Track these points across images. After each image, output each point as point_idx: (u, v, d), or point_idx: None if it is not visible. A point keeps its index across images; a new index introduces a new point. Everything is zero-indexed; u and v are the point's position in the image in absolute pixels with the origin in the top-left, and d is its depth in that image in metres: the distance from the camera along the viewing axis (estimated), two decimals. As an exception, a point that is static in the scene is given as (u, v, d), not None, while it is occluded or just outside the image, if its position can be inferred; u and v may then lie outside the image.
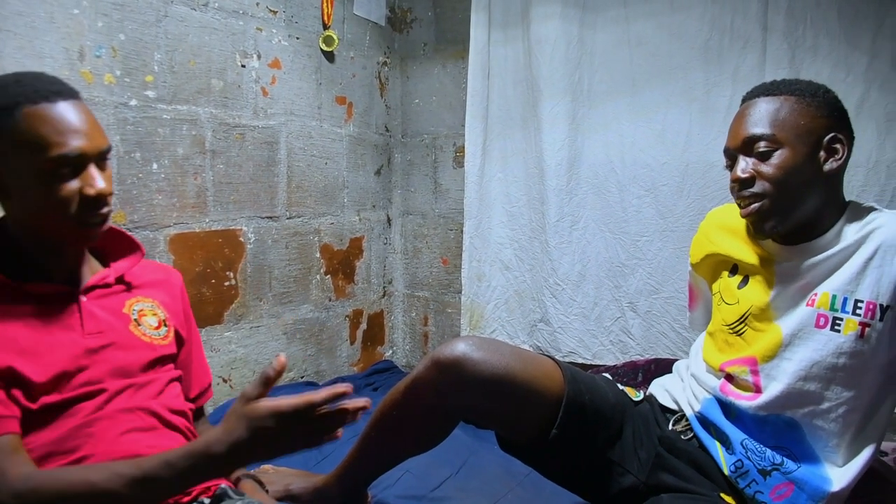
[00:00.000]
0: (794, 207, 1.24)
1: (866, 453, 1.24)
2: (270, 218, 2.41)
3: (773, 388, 1.26)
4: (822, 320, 1.23)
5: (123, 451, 1.11)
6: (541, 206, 2.56)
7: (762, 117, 1.26)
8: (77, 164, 1.07)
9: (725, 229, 1.46)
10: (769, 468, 1.24)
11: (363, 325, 2.94)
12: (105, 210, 1.13)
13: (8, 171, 1.07)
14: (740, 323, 1.35)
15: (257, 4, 2.31)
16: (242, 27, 2.26)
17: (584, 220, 2.49)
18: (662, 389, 1.53)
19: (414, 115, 3.06)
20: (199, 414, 1.45)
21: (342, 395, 0.98)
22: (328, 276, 2.71)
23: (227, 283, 2.25)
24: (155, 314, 1.29)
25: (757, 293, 1.33)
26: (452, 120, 2.91)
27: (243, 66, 2.27)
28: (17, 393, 1.05)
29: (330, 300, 2.73)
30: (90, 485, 0.96)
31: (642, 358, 2.34)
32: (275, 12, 2.39)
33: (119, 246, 1.29)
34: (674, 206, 2.30)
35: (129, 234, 1.31)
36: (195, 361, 1.43)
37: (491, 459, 1.90)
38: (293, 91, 2.48)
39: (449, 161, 2.96)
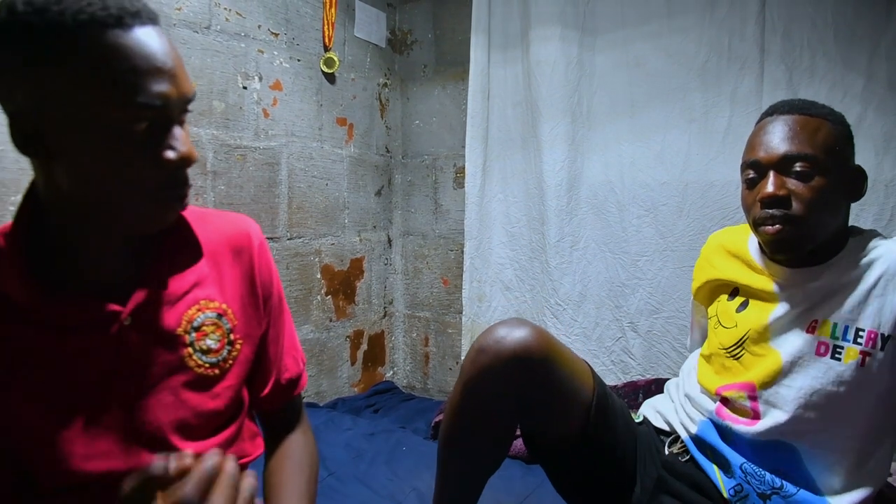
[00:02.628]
0: (818, 234, 1.21)
1: (868, 488, 1.21)
2: (271, 238, 2.41)
3: (772, 415, 1.24)
4: (822, 348, 1.21)
5: None
6: (541, 227, 2.56)
7: (802, 137, 1.20)
8: (158, 116, 0.77)
9: (726, 252, 1.43)
10: (769, 492, 1.23)
11: (364, 346, 2.94)
12: (188, 184, 0.83)
13: (59, 120, 0.74)
14: (737, 347, 1.33)
15: (259, 27, 2.34)
16: (244, 49, 2.28)
17: (585, 241, 2.50)
18: (654, 411, 1.51)
19: (414, 135, 3.08)
20: (282, 420, 1.12)
21: None
22: (329, 296, 2.71)
23: (227, 304, 2.25)
24: (218, 327, 0.95)
25: (756, 316, 1.31)
26: (452, 141, 2.93)
27: (245, 87, 2.29)
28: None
29: (331, 321, 2.73)
30: None
31: (643, 378, 2.33)
32: (276, 35, 2.41)
33: (172, 234, 0.91)
34: (673, 226, 2.31)
35: (190, 224, 0.92)
36: (271, 349, 1.08)
37: (491, 483, 1.89)
38: (294, 112, 2.50)
39: (449, 182, 2.97)
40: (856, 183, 1.25)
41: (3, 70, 0.74)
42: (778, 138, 1.22)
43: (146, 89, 0.74)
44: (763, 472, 1.24)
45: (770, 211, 1.21)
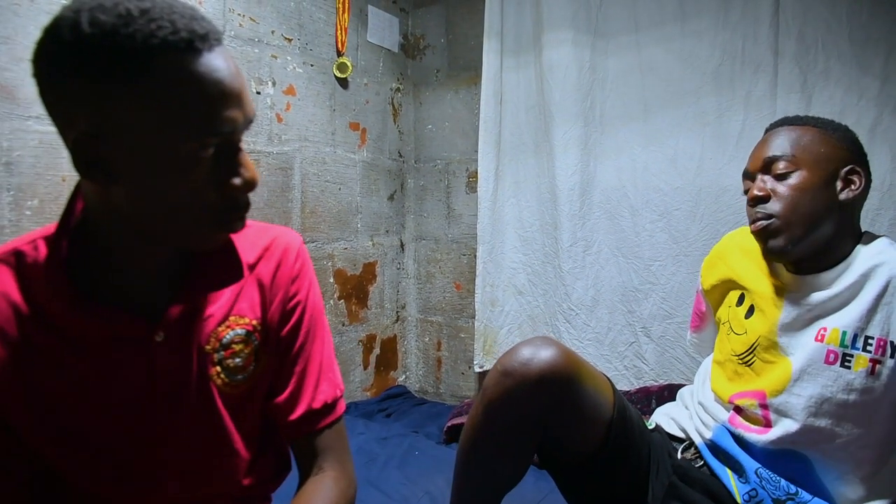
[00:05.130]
0: (805, 231, 1.24)
1: (884, 500, 1.21)
2: (284, 243, 2.42)
3: (782, 424, 1.25)
4: (831, 356, 1.21)
5: None
6: (554, 231, 2.56)
7: (784, 142, 1.29)
8: (226, 142, 0.76)
9: (743, 252, 1.45)
10: (784, 498, 1.22)
11: (376, 350, 2.94)
12: (248, 207, 0.81)
13: (125, 146, 0.71)
14: (749, 353, 1.34)
15: (272, 32, 2.35)
16: (258, 55, 2.29)
17: (597, 245, 2.49)
18: (667, 418, 1.51)
19: (427, 140, 3.08)
20: (312, 454, 1.00)
21: None
22: (341, 300, 2.72)
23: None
24: (247, 344, 0.92)
25: (763, 323, 1.32)
26: (465, 145, 2.93)
27: (258, 92, 2.30)
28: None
29: (343, 325, 2.73)
30: None
31: (656, 384, 2.32)
32: (290, 40, 2.42)
33: (216, 252, 0.88)
34: (687, 231, 2.30)
35: (234, 242, 0.90)
36: (302, 367, 0.99)
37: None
38: (307, 117, 2.51)
39: (462, 186, 2.97)
40: (849, 182, 1.26)
41: (66, 94, 0.71)
42: (761, 149, 1.32)
43: (217, 117, 0.72)
44: (778, 478, 1.24)
45: (754, 209, 1.28)
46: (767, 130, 1.37)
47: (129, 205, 0.76)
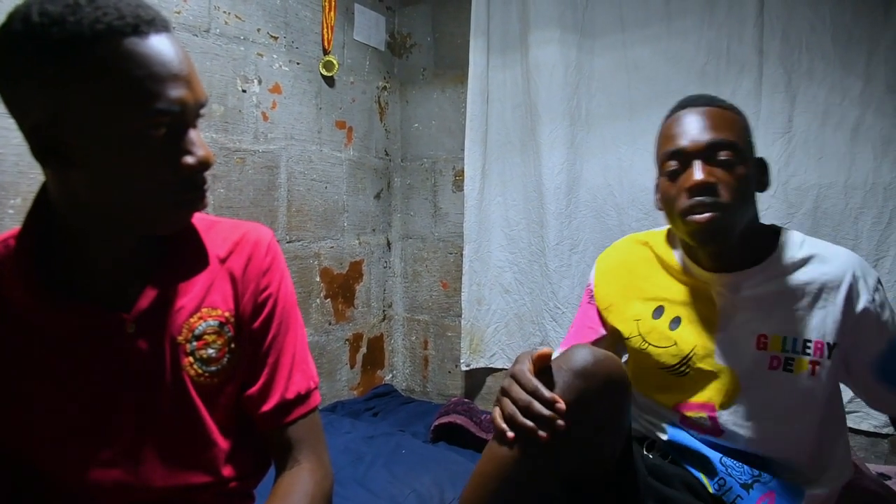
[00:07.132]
0: (740, 224, 1.20)
1: (837, 480, 1.26)
2: (270, 241, 2.41)
3: (732, 431, 1.26)
4: (774, 362, 1.22)
5: None
6: (540, 230, 2.57)
7: (725, 125, 1.20)
8: (176, 122, 0.78)
9: (632, 272, 1.39)
10: (750, 481, 1.24)
11: (363, 349, 2.94)
12: (206, 186, 0.83)
13: (78, 130, 0.74)
14: (682, 364, 1.29)
15: (258, 30, 2.34)
16: (244, 53, 2.28)
17: (584, 244, 2.50)
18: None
19: (413, 139, 3.08)
20: (287, 447, 1.00)
21: None
22: (328, 299, 2.71)
23: (226, 307, 2.24)
24: (220, 336, 0.94)
25: (698, 333, 1.28)
26: (451, 144, 2.93)
27: (244, 90, 2.28)
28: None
29: (330, 324, 2.72)
30: None
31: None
32: (276, 38, 2.41)
33: (181, 243, 0.91)
34: (672, 229, 2.31)
35: (199, 232, 0.93)
36: (275, 359, 1.00)
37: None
38: (293, 115, 2.50)
39: (448, 185, 2.97)
40: (761, 174, 1.27)
41: (18, 83, 0.74)
42: (699, 128, 1.21)
43: (164, 95, 0.75)
44: (742, 464, 1.26)
45: (700, 198, 1.17)
46: (688, 106, 1.27)
47: (88, 191, 0.78)
